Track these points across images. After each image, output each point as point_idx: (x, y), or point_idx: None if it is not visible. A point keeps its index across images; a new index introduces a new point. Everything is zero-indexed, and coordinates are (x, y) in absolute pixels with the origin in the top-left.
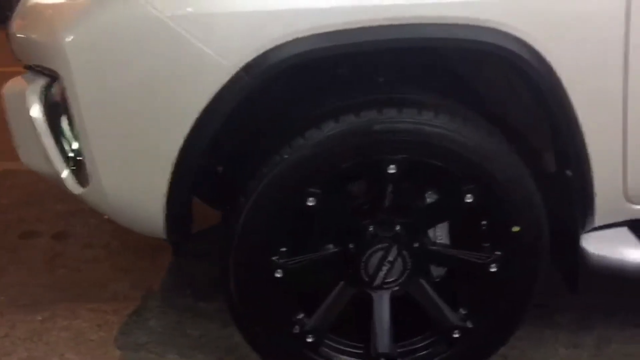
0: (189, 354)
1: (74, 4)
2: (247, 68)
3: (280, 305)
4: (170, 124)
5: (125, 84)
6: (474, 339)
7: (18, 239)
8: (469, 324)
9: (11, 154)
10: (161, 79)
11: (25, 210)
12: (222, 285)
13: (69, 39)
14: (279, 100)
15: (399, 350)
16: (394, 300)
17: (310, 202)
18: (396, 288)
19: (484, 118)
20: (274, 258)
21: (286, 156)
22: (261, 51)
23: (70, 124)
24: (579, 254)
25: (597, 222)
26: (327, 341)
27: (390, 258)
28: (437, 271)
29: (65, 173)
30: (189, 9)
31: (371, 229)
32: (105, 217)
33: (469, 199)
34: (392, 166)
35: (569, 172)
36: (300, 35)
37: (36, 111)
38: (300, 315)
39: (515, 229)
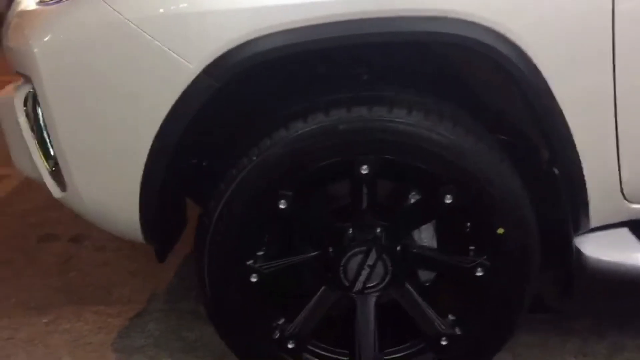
0: (181, 357)
1: (44, 11)
2: (209, 69)
3: (258, 310)
4: (137, 126)
5: (93, 87)
6: (463, 346)
7: (36, 243)
8: (458, 331)
9: None
10: (127, 82)
11: (45, 215)
12: (199, 288)
13: (38, 44)
14: (250, 100)
15: (385, 358)
16: (381, 306)
17: (282, 205)
18: (378, 293)
19: (468, 115)
20: (248, 262)
21: (254, 158)
22: (221, 52)
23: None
24: (574, 257)
25: (594, 222)
26: (310, 347)
27: (369, 262)
28: (425, 275)
29: (47, 177)
30: (151, 11)
31: (349, 232)
32: None
33: (448, 199)
34: (364, 166)
35: (556, 170)
36: (258, 34)
37: (21, 116)
38: (281, 321)
39: (500, 231)
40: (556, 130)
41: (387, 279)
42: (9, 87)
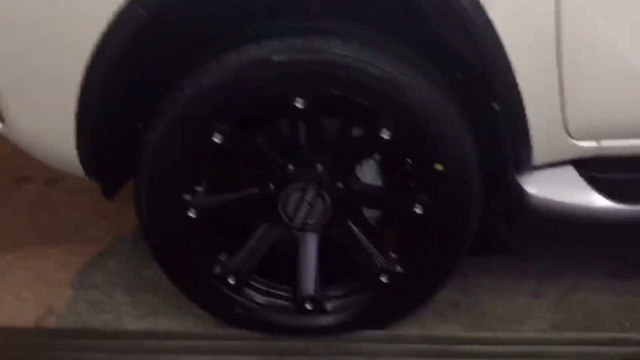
0: (137, 294)
1: None
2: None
3: (198, 245)
4: (68, 57)
5: (24, 16)
6: (403, 284)
7: (11, 185)
8: (398, 269)
9: None
10: (57, 11)
11: (21, 159)
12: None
13: None
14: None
15: (328, 295)
16: (325, 244)
17: (217, 139)
18: (319, 230)
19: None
20: (186, 197)
21: (187, 90)
22: None
23: None
24: (515, 196)
25: (537, 160)
26: (252, 283)
27: (308, 198)
28: (371, 214)
29: None
30: None
31: (289, 168)
32: None
33: (385, 134)
34: (299, 99)
35: (496, 106)
36: None
37: None
38: (223, 256)
39: (438, 167)
40: (494, 63)
41: (326, 216)
42: None
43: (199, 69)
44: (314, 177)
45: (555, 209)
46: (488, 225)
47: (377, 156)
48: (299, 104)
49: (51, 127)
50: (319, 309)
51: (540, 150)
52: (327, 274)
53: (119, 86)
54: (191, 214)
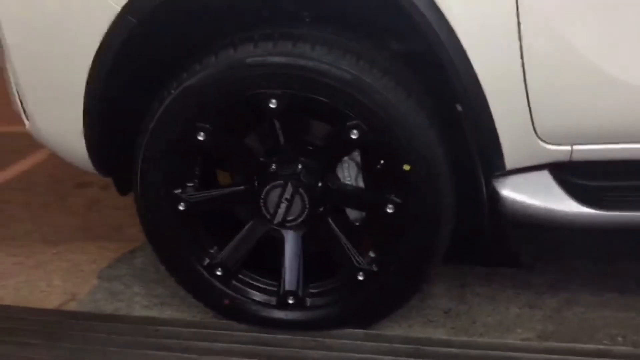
0: (151, 286)
1: None
2: (127, 6)
3: (190, 237)
4: (74, 60)
5: (38, 27)
6: (380, 284)
7: (72, 188)
8: (374, 268)
9: None
10: (65, 22)
11: None
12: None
13: None
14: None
15: (310, 291)
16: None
17: (201, 137)
18: (300, 226)
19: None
20: (176, 191)
21: (173, 91)
22: None
23: None
24: (486, 200)
25: (510, 164)
26: (240, 276)
27: (287, 195)
28: (354, 215)
29: (21, 112)
30: None
31: (271, 167)
32: None
33: (354, 135)
34: (273, 100)
35: (459, 107)
36: None
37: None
38: (214, 249)
39: (406, 167)
40: (455, 63)
41: (305, 213)
42: None
43: (184, 71)
44: (292, 176)
45: (529, 214)
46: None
47: (357, 157)
48: (273, 104)
49: (63, 126)
50: (301, 304)
51: (511, 153)
52: (315, 270)
53: (118, 87)
54: (181, 208)
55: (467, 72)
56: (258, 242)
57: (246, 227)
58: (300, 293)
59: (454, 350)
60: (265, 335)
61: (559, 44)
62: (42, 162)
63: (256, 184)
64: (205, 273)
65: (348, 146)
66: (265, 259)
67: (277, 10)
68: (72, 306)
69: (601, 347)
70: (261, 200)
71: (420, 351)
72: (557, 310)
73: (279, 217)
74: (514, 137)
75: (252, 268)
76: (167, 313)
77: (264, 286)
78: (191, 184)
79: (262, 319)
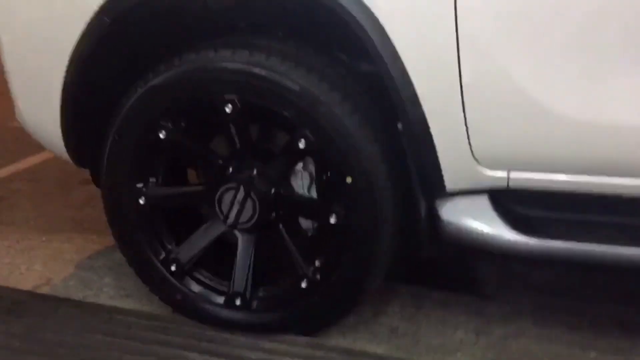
0: (121, 279)
1: None
2: (104, 7)
3: (146, 230)
4: (55, 59)
5: (24, 25)
6: (322, 293)
7: (77, 184)
8: (317, 277)
9: None
10: (48, 17)
11: None
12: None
13: None
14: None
15: (258, 294)
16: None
17: (162, 135)
18: (251, 229)
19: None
20: (138, 185)
21: (139, 89)
22: None
23: None
24: (423, 219)
25: (449, 186)
26: (195, 273)
27: (239, 198)
28: (307, 224)
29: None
30: None
31: (224, 168)
32: None
33: (302, 144)
34: (228, 105)
35: (400, 126)
36: None
37: None
38: (171, 244)
39: (349, 179)
40: (396, 81)
41: (255, 217)
42: None
43: (151, 70)
44: (245, 180)
45: (465, 238)
46: None
47: (312, 167)
48: (228, 109)
49: (44, 118)
50: (247, 306)
51: (450, 175)
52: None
53: (93, 83)
54: (141, 202)
55: (408, 91)
56: (217, 242)
57: (203, 226)
58: (247, 295)
59: None
60: (210, 332)
61: (496, 71)
62: (54, 157)
63: (213, 185)
64: (160, 267)
65: (296, 155)
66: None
67: (250, 22)
68: (44, 290)
69: None
70: (216, 201)
71: None
72: (503, 340)
73: (231, 219)
74: (452, 159)
75: (209, 268)
76: (129, 304)
77: (215, 286)
78: (153, 179)
79: (210, 317)
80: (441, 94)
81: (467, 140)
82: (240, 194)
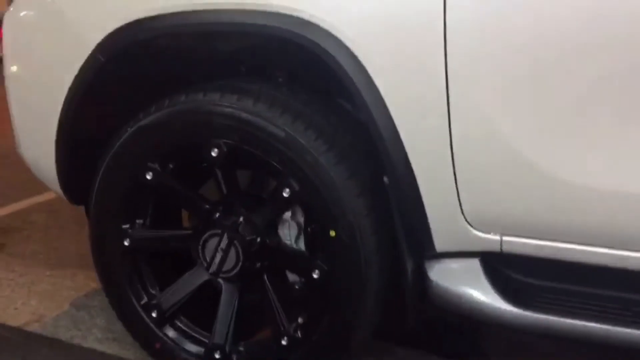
0: (113, 322)
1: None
2: (100, 46)
3: (130, 273)
4: (52, 96)
5: (28, 58)
6: (303, 353)
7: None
8: (299, 334)
9: None
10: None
11: None
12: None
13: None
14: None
15: (240, 348)
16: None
17: (149, 177)
18: (234, 279)
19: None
20: (124, 226)
21: (129, 129)
22: (108, 31)
23: None
24: (409, 279)
25: (439, 246)
26: (176, 321)
27: (222, 246)
28: (293, 277)
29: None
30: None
31: (210, 214)
32: None
33: (286, 193)
34: (215, 149)
35: (385, 179)
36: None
37: None
38: (155, 289)
39: (332, 233)
40: (382, 133)
41: (239, 266)
42: None
43: (141, 110)
44: (230, 226)
45: (453, 303)
46: None
47: (300, 217)
48: (214, 153)
49: (41, 155)
50: None
51: (440, 235)
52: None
53: (88, 123)
54: (126, 243)
55: (395, 143)
56: (205, 288)
57: (187, 273)
58: (227, 348)
59: None
60: None
61: (488, 131)
62: None
63: (198, 231)
64: (141, 312)
65: (280, 204)
66: (209, 309)
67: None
68: (34, 327)
69: None
70: (199, 247)
71: None
72: None
73: (214, 267)
74: (442, 220)
75: (192, 315)
76: (113, 349)
77: (196, 336)
78: (140, 221)
79: None
80: (430, 150)
81: (457, 201)
82: (224, 242)
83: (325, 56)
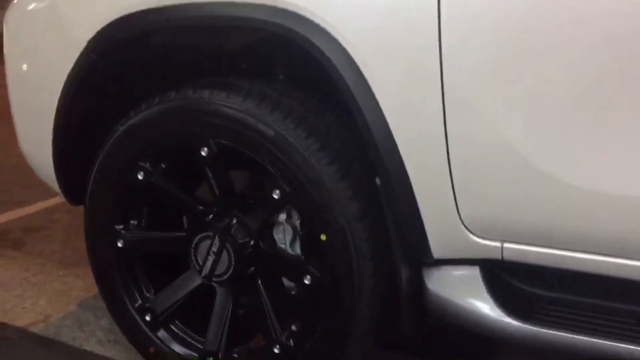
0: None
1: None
2: (91, 43)
3: (124, 275)
4: (48, 98)
5: (24, 57)
6: None
7: None
8: (291, 342)
9: None
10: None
11: None
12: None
13: (7, 21)
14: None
15: (233, 355)
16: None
17: (140, 176)
18: (227, 283)
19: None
20: (117, 227)
21: (120, 127)
22: (97, 28)
23: None
24: (405, 287)
25: (436, 253)
26: (170, 326)
27: (214, 249)
28: (288, 282)
29: None
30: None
31: (203, 216)
32: None
33: (276, 194)
34: (204, 149)
35: (378, 181)
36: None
37: None
38: (150, 292)
39: (323, 237)
40: (374, 134)
41: (231, 270)
42: None
43: (131, 109)
44: (222, 229)
45: (450, 313)
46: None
47: (296, 220)
48: (204, 152)
49: (40, 154)
50: None
51: (437, 241)
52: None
53: (81, 121)
54: (119, 244)
55: (388, 144)
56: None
57: (181, 276)
58: (220, 355)
59: None
60: None
61: (486, 132)
62: None
63: (191, 233)
64: (135, 315)
65: (271, 206)
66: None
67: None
68: (39, 327)
69: None
70: (192, 250)
71: None
72: None
73: (206, 270)
74: (439, 225)
75: (187, 319)
76: (112, 351)
77: (190, 341)
78: (134, 222)
79: None
80: (424, 149)
81: (454, 205)
82: (216, 245)
83: (316, 52)
